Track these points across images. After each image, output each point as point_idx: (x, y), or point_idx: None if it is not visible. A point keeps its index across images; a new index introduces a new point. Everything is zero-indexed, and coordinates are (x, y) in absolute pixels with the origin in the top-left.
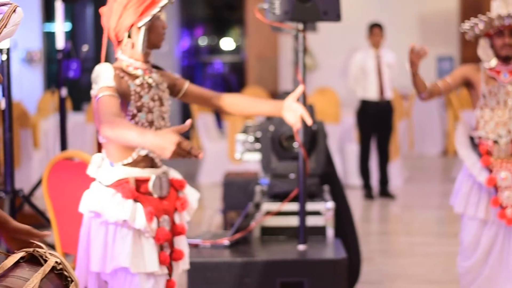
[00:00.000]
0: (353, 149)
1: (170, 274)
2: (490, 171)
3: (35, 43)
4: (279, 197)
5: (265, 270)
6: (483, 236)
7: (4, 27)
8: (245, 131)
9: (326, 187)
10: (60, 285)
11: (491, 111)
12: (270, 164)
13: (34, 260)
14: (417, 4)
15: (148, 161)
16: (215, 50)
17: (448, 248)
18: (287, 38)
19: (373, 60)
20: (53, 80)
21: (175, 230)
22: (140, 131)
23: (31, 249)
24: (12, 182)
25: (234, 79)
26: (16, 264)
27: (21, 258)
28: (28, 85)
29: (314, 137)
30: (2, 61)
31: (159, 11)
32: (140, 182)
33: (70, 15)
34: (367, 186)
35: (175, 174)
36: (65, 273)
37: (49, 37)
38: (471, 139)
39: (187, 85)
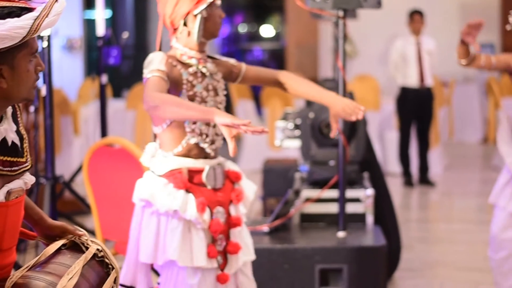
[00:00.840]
0: (393, 136)
1: (223, 267)
2: None
3: (75, 30)
4: (319, 184)
5: (304, 257)
6: (510, 229)
7: (46, 16)
8: (284, 118)
9: (366, 174)
10: (101, 272)
11: None
12: (310, 151)
13: (76, 247)
14: None
15: (200, 152)
16: (254, 37)
17: (488, 235)
18: (327, 25)
19: (413, 47)
20: (93, 67)
21: (231, 222)
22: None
23: (72, 236)
24: (53, 168)
25: (274, 66)
26: (58, 251)
27: (63, 245)
28: (68, 72)
29: (354, 124)
30: (43, 48)
31: None
32: (194, 173)
33: (110, 2)
34: (407, 173)
35: (231, 166)
36: (106, 260)
37: (90, 24)
38: None
39: (244, 69)
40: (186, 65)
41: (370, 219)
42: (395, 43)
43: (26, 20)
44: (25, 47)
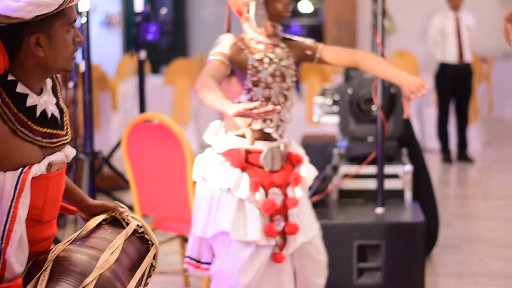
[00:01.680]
0: (431, 112)
1: (281, 247)
2: None
3: (114, 6)
4: (357, 160)
5: (343, 233)
6: None
7: None
8: (323, 93)
9: (404, 150)
10: (141, 248)
11: None
12: (348, 127)
13: (116, 223)
14: None
15: (262, 135)
16: (293, 13)
17: None
18: (366, 1)
19: (452, 22)
20: (131, 43)
21: (288, 204)
22: (222, 97)
23: (113, 212)
24: (92, 144)
25: None
26: (99, 226)
27: (104, 220)
28: (107, 48)
29: (393, 100)
30: (82, 24)
31: None
32: (252, 154)
33: None
34: (445, 149)
35: (296, 148)
36: (146, 236)
37: (128, 0)
38: None
39: (320, 49)
40: (254, 50)
41: (408, 195)
42: (434, 19)
43: None
44: (62, 16)
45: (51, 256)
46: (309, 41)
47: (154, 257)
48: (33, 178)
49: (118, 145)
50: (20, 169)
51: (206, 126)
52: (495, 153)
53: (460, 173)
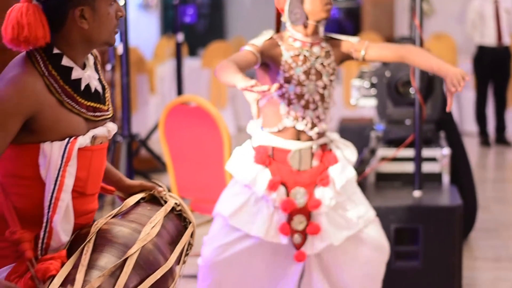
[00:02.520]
0: (469, 95)
1: (299, 246)
2: None
3: None
4: (395, 143)
5: (380, 216)
6: None
7: None
8: (360, 76)
9: (442, 133)
10: (179, 226)
11: None
12: (386, 110)
13: (154, 201)
14: None
15: (294, 134)
16: None
17: None
18: None
19: (491, 5)
20: (169, 25)
21: (309, 204)
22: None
23: (151, 191)
24: (129, 126)
25: (350, 25)
26: (137, 204)
27: (142, 198)
28: (144, 30)
29: (431, 83)
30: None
31: None
32: (279, 151)
33: None
34: (483, 132)
35: (340, 147)
36: (184, 214)
37: None
38: None
39: (365, 48)
40: (289, 47)
41: (446, 178)
42: (473, 2)
43: None
44: None
45: (94, 229)
46: (354, 40)
47: (192, 235)
48: (78, 150)
49: (155, 127)
50: (67, 139)
51: (243, 109)
52: None
53: (498, 156)
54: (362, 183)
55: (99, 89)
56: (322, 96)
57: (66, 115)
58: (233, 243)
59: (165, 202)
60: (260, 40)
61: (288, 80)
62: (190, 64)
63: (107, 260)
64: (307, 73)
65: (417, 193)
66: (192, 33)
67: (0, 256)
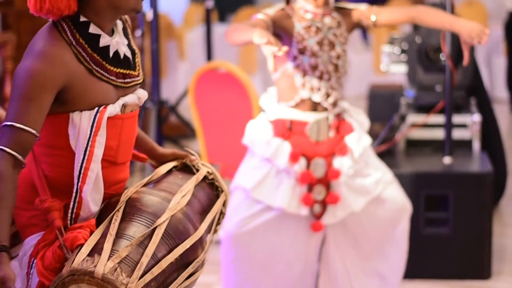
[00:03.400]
0: (500, 61)
1: (319, 216)
2: None
3: None
4: (425, 109)
5: (410, 183)
6: None
7: None
8: (391, 42)
9: (472, 100)
10: (211, 194)
11: None
12: (416, 76)
13: (186, 170)
14: None
15: (311, 105)
16: None
17: None
18: None
19: None
20: None
21: (329, 174)
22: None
23: (184, 159)
24: (159, 92)
25: None
26: (169, 172)
27: (174, 167)
28: None
29: (461, 49)
30: None
31: None
32: (298, 125)
33: None
34: None
35: (353, 115)
36: (216, 183)
37: None
38: None
39: (375, 14)
40: (301, 19)
41: (476, 145)
42: None
43: None
44: None
45: (123, 198)
46: (362, 7)
47: (224, 204)
48: (108, 118)
49: (185, 94)
50: (96, 108)
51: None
52: None
53: None
54: (392, 150)
55: (129, 54)
56: (336, 66)
57: (95, 84)
58: (256, 215)
59: (197, 170)
60: (272, 10)
61: (302, 52)
62: (219, 30)
63: (136, 229)
64: (320, 44)
65: (447, 160)
66: None
67: (29, 224)
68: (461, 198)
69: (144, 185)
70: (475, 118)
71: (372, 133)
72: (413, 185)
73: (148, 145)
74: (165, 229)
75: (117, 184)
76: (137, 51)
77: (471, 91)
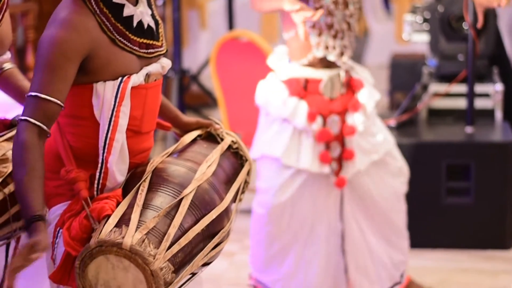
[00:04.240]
0: None
1: (337, 173)
2: None
3: None
4: (447, 78)
5: (432, 152)
6: None
7: None
8: (413, 11)
9: (495, 69)
10: (236, 164)
11: None
12: (439, 45)
13: (211, 139)
14: None
15: (323, 62)
16: None
17: None
18: None
19: None
20: None
21: (344, 131)
22: None
23: (208, 128)
24: (180, 62)
25: None
26: (194, 141)
27: (199, 135)
28: None
29: (484, 17)
30: None
31: None
32: (312, 83)
33: None
34: None
35: (360, 72)
36: (240, 152)
37: None
38: None
39: None
40: None
41: (498, 114)
42: None
43: None
44: None
45: (149, 168)
46: None
47: (248, 173)
48: (132, 88)
49: (206, 63)
50: (120, 78)
51: None
52: None
53: None
54: (413, 119)
55: (152, 25)
56: (349, 25)
57: (118, 54)
58: (289, 182)
59: (222, 139)
60: None
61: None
62: None
63: (163, 200)
64: (335, 2)
65: (469, 129)
66: None
67: (55, 194)
68: (483, 167)
69: (169, 155)
70: (498, 87)
71: (394, 102)
72: (435, 154)
73: (172, 113)
74: (191, 200)
75: (142, 153)
76: (160, 21)
77: (494, 60)
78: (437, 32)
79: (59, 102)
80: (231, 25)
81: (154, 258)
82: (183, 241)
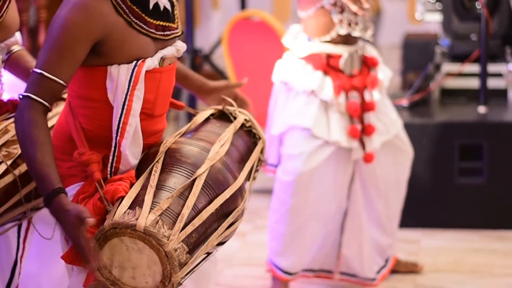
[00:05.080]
0: None
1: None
2: None
3: None
4: (460, 58)
5: (444, 132)
6: None
7: None
8: None
9: (508, 49)
10: (249, 142)
11: None
12: (451, 25)
13: (224, 117)
14: None
15: (342, 38)
16: None
17: None
18: None
19: None
20: None
21: (365, 107)
22: None
23: (220, 106)
24: (192, 41)
25: None
26: (207, 120)
27: (211, 114)
28: None
29: None
30: None
31: None
32: (333, 58)
33: None
34: None
35: (369, 51)
36: (254, 131)
37: None
38: None
39: None
40: None
41: (511, 94)
42: None
43: None
44: None
45: (162, 148)
46: None
47: (262, 152)
48: (146, 72)
49: (218, 42)
50: (134, 62)
51: None
52: None
53: None
54: (426, 99)
55: (168, 7)
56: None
57: (134, 37)
58: (318, 151)
59: (235, 118)
60: None
61: None
62: None
63: (176, 180)
64: None
65: (482, 109)
66: None
67: (68, 175)
68: (495, 147)
69: (182, 135)
70: (510, 67)
71: (406, 82)
72: (447, 134)
73: (198, 82)
74: (205, 180)
75: (155, 134)
76: (175, 3)
77: (507, 40)
78: (450, 12)
79: (63, 82)
80: (243, 5)
81: (168, 239)
82: (197, 222)
